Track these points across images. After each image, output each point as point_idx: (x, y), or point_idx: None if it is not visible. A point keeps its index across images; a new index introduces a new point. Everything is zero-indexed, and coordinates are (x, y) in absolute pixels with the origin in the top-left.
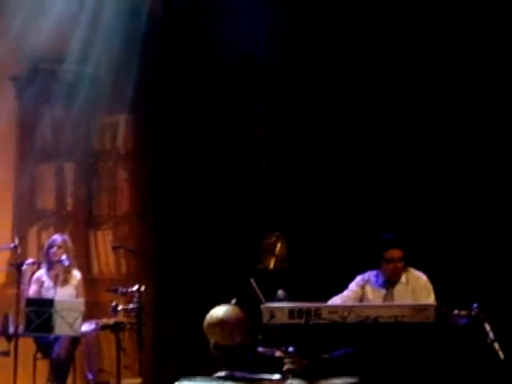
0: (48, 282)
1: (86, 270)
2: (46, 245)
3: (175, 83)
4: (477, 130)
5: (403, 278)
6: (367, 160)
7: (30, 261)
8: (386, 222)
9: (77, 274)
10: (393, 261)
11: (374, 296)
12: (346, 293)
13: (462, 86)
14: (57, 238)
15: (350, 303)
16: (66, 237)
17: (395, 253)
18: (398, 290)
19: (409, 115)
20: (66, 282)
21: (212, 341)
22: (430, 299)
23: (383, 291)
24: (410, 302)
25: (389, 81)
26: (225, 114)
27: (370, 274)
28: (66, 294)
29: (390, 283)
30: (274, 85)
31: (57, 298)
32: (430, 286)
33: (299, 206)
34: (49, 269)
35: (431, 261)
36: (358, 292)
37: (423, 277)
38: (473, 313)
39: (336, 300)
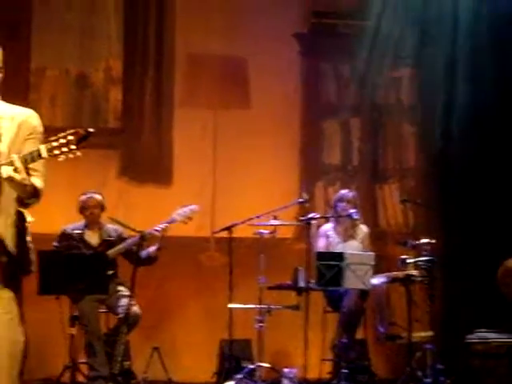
0: (334, 236)
1: (372, 223)
2: (334, 199)
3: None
4: None
5: None
6: None
7: (317, 215)
8: None
9: (363, 228)
10: None
11: None
12: None
13: None
14: (346, 192)
15: None
16: (355, 192)
17: None
18: None
19: None
20: (352, 236)
21: (506, 292)
22: None
23: None
24: None
25: None
26: None
27: None
28: (352, 248)
29: None
30: None
31: (346, 252)
32: None
33: None
34: (336, 223)
35: None
36: None
37: None
38: None
39: None
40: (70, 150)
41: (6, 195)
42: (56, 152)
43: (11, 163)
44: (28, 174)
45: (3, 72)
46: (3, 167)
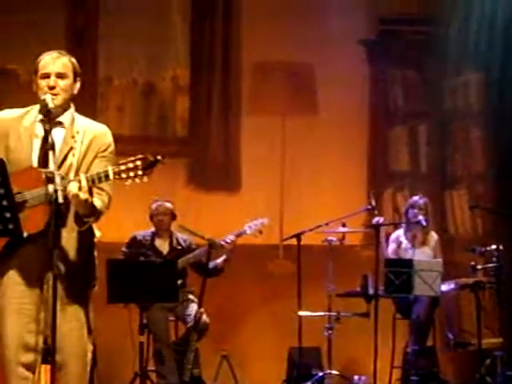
0: (406, 243)
1: (441, 230)
2: (406, 205)
3: None
4: None
5: None
6: None
7: (383, 221)
8: None
9: (434, 235)
10: None
11: None
12: None
13: None
14: (418, 199)
15: None
16: (426, 199)
17: None
18: None
19: None
20: (423, 243)
21: None
22: None
23: None
24: None
25: None
26: None
27: None
28: (424, 255)
29: None
30: None
31: (415, 259)
32: None
33: None
34: (407, 229)
35: None
36: None
37: None
38: None
39: None
40: (137, 176)
41: (73, 211)
42: (123, 176)
43: (78, 181)
44: (91, 192)
45: (80, 82)
46: (71, 184)
